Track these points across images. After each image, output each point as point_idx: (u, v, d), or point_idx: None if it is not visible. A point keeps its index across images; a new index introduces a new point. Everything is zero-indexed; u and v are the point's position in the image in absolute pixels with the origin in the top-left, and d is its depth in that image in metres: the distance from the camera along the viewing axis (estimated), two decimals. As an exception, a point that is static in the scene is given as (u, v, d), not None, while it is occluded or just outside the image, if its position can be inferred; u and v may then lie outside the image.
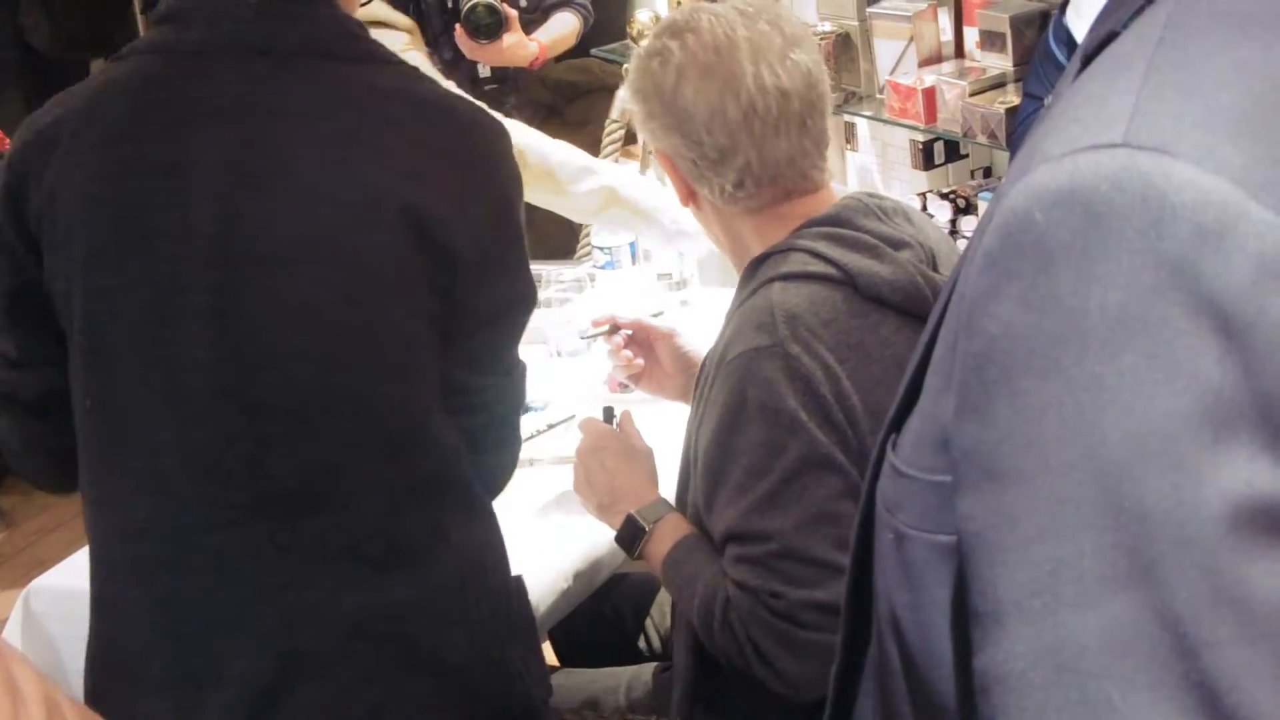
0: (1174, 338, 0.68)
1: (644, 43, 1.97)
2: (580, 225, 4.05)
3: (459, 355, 1.75)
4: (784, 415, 1.76)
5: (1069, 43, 0.86)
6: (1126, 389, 0.69)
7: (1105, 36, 0.82)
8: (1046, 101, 0.90)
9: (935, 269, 1.89)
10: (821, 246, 1.84)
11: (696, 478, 1.90)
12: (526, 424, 2.56)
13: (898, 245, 1.87)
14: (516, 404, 1.91)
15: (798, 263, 1.84)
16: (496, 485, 1.92)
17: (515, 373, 1.87)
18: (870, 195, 1.98)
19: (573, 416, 2.59)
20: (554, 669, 2.55)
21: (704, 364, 1.95)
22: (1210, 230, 0.67)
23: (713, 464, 1.84)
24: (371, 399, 1.68)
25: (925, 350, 0.92)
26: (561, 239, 4.26)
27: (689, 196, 1.99)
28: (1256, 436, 0.67)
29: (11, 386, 1.81)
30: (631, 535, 2.01)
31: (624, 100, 2.00)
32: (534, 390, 2.66)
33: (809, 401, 1.75)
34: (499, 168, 1.74)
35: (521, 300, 1.81)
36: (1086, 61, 0.83)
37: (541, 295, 2.95)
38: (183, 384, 1.65)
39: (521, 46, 3.97)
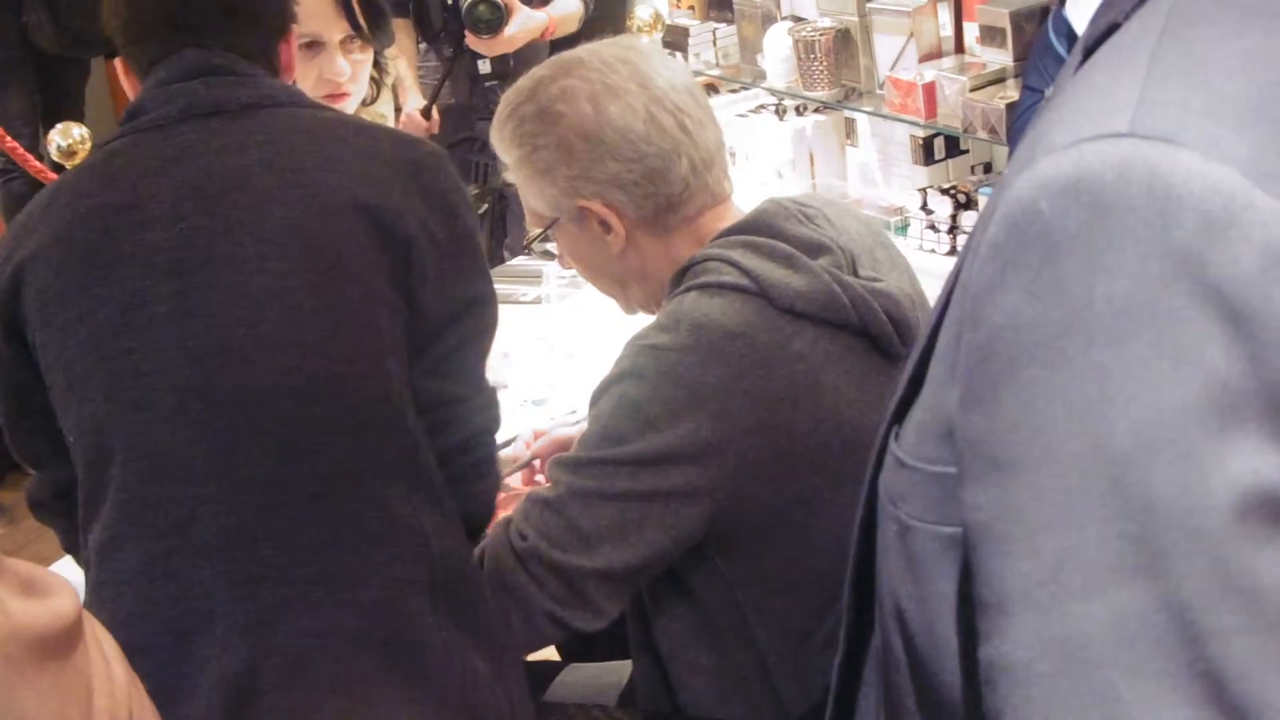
0: (1180, 327, 0.68)
1: (516, 109, 1.91)
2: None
3: (426, 364, 1.79)
4: (640, 415, 1.76)
5: (1069, 35, 0.86)
6: (1133, 378, 0.69)
7: (1107, 28, 0.82)
8: (1047, 94, 0.90)
9: (856, 272, 1.87)
10: (737, 255, 1.82)
11: None
12: (530, 420, 2.57)
13: (816, 250, 1.85)
14: (488, 425, 1.92)
15: (713, 272, 1.82)
16: (476, 517, 1.92)
17: (486, 392, 1.90)
18: (793, 200, 1.96)
19: (574, 412, 2.59)
20: (557, 664, 2.55)
21: None
22: (1217, 219, 0.67)
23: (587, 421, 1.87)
24: (338, 380, 1.71)
25: (927, 342, 0.91)
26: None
27: (627, 238, 1.94)
28: (1263, 425, 0.67)
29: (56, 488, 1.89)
30: None
31: (517, 170, 1.92)
32: (533, 386, 2.68)
33: (678, 411, 1.74)
34: (442, 173, 1.83)
35: (481, 301, 1.85)
36: (1088, 53, 0.83)
37: (542, 292, 2.95)
38: (151, 387, 1.70)
39: (531, 21, 3.98)
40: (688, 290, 1.83)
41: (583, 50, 1.92)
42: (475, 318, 1.85)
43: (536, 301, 2.99)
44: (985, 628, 0.77)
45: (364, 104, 2.88)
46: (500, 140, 1.96)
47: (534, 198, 1.96)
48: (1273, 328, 0.67)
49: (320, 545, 1.70)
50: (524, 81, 1.94)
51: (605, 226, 1.93)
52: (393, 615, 1.73)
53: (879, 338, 1.83)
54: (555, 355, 2.78)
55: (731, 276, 1.80)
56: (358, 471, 1.72)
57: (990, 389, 0.75)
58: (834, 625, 1.81)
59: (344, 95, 2.74)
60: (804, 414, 1.78)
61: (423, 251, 1.75)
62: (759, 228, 1.86)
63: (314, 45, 2.66)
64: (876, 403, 1.82)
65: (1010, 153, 0.88)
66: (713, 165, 1.90)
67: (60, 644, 0.80)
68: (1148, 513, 0.69)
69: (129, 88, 1.94)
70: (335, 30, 2.68)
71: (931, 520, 0.88)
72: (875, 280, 1.86)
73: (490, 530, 1.92)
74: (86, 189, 1.79)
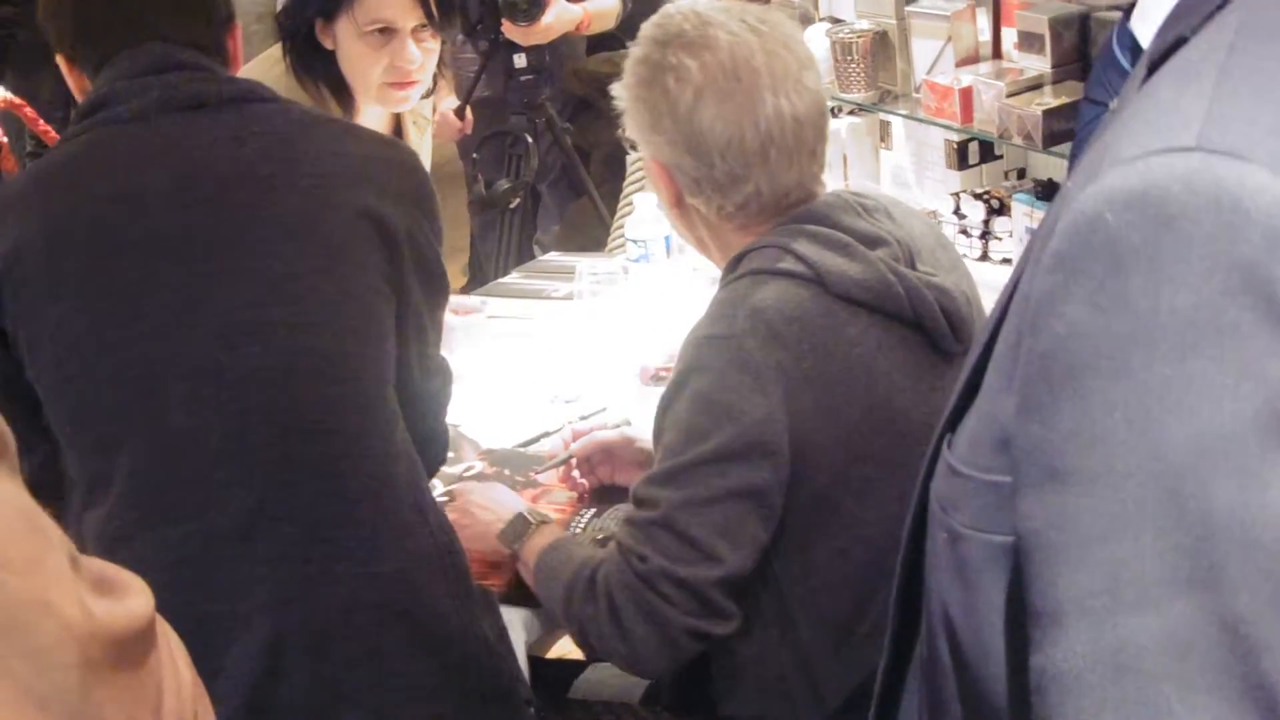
0: (1244, 341, 0.68)
1: (645, 50, 1.91)
2: (612, 217, 4.05)
3: (410, 356, 1.91)
4: (714, 406, 1.78)
5: (1133, 48, 0.87)
6: (1194, 391, 0.69)
7: (1173, 42, 0.83)
8: (1111, 106, 0.90)
9: (914, 266, 1.88)
10: (796, 244, 1.83)
11: None
12: (558, 416, 2.57)
13: (873, 242, 1.86)
14: (446, 406, 2.06)
15: (770, 258, 1.84)
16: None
17: (447, 373, 2.04)
18: (854, 193, 1.97)
19: (604, 409, 2.59)
20: (581, 664, 2.55)
21: None
22: None
23: (653, 432, 1.89)
24: (348, 361, 1.78)
25: (983, 350, 0.91)
26: (593, 231, 4.27)
27: (677, 202, 1.96)
28: None
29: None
30: (517, 528, 2.07)
31: (622, 103, 1.94)
32: (565, 382, 2.68)
33: (749, 397, 1.77)
34: (421, 174, 1.96)
35: (444, 300, 2.01)
36: (1153, 67, 0.83)
37: (574, 288, 2.95)
38: (161, 374, 1.73)
39: (567, 13, 3.99)
40: (742, 276, 1.85)
41: (730, 28, 1.86)
42: (440, 314, 1.98)
43: (569, 298, 2.99)
44: (1037, 636, 0.77)
45: (424, 95, 2.89)
46: (625, 64, 1.96)
47: (628, 124, 1.98)
48: None
49: (338, 522, 1.74)
50: (666, 26, 1.91)
51: (666, 181, 1.95)
52: (410, 587, 1.78)
53: (932, 331, 1.85)
54: (587, 352, 2.77)
55: (788, 263, 1.82)
56: (367, 449, 1.79)
57: (1050, 398, 0.75)
58: (877, 620, 1.82)
59: (412, 84, 2.75)
60: (858, 400, 1.80)
61: (409, 250, 1.85)
62: (817, 218, 1.87)
63: (386, 32, 2.68)
64: (928, 395, 1.84)
65: (1071, 164, 0.88)
66: (788, 193, 1.89)
67: (137, 645, 0.79)
68: (1204, 526, 0.69)
69: (74, 84, 1.97)
70: (409, 18, 2.70)
71: (983, 529, 0.88)
72: (932, 275, 1.87)
73: (558, 597, 1.94)
74: (69, 181, 1.82)
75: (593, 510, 2.30)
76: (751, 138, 1.83)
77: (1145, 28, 0.82)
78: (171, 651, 0.82)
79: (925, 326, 1.85)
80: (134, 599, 0.79)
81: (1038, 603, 0.77)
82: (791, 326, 1.79)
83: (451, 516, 2.13)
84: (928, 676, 1.00)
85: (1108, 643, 0.72)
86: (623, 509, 2.28)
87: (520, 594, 2.09)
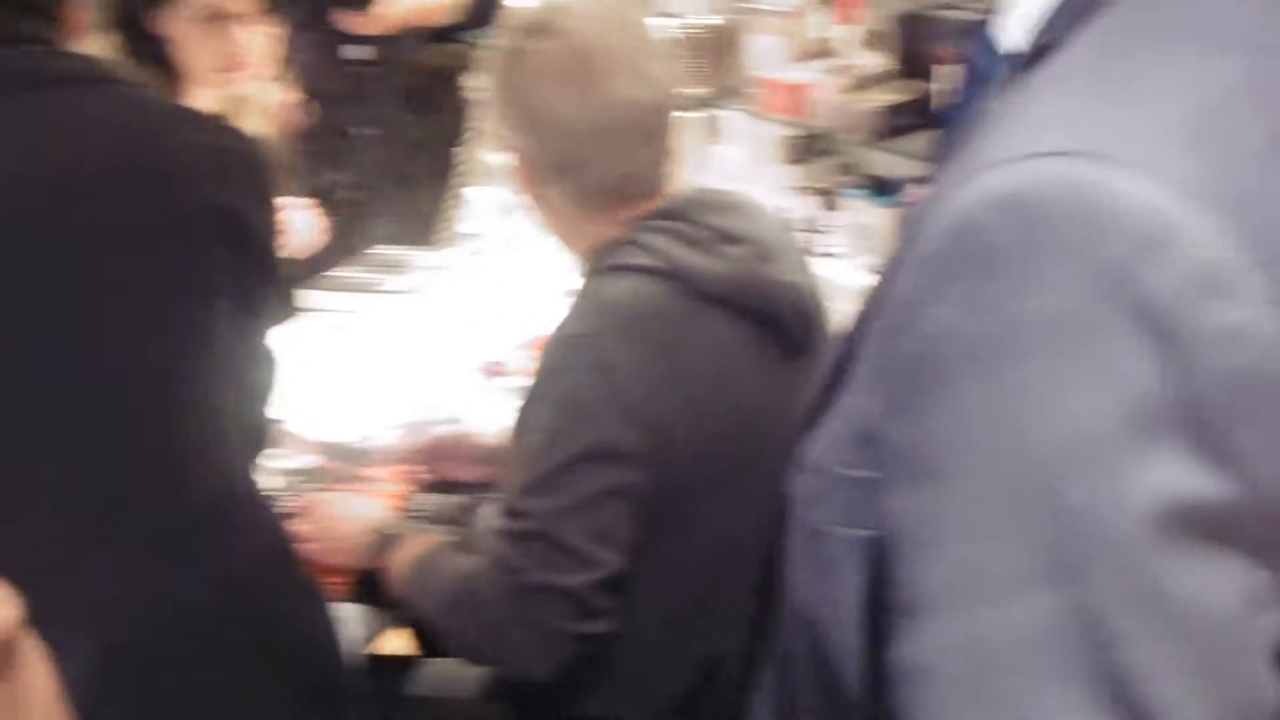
0: (1109, 342, 0.69)
1: (503, 38, 1.94)
2: (439, 211, 4.02)
3: (248, 348, 1.86)
4: (576, 405, 1.78)
5: (999, 53, 0.87)
6: (1058, 391, 0.70)
7: (1040, 47, 0.84)
8: (976, 108, 0.91)
9: (769, 264, 1.90)
10: (654, 239, 1.84)
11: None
12: (393, 411, 2.54)
13: (732, 239, 1.87)
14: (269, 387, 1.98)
15: (629, 254, 1.85)
16: None
17: (273, 360, 1.95)
18: (714, 190, 1.99)
19: (439, 404, 2.56)
20: (413, 658, 2.52)
21: None
22: (1150, 238, 0.69)
23: (514, 435, 1.88)
24: (178, 359, 1.73)
25: (843, 348, 0.92)
26: (426, 224, 4.22)
27: (531, 193, 1.97)
28: (1182, 440, 0.69)
29: None
30: (384, 540, 2.05)
31: (478, 92, 1.97)
32: (399, 378, 2.64)
33: (610, 394, 1.77)
34: (262, 160, 1.86)
35: (280, 280, 1.92)
36: (1022, 70, 0.84)
37: (407, 283, 2.92)
38: None
39: (404, 2, 3.95)
40: (601, 272, 1.85)
41: (582, 16, 1.87)
42: (271, 305, 1.90)
43: (401, 291, 2.96)
44: (899, 630, 0.78)
45: (258, 82, 2.84)
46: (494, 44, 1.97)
47: (490, 114, 1.98)
48: (1199, 346, 0.68)
49: (171, 522, 1.71)
50: (526, 14, 1.92)
51: (521, 168, 1.94)
52: (251, 586, 1.74)
53: (786, 329, 1.87)
54: (421, 347, 2.74)
55: (646, 259, 1.82)
56: (201, 448, 1.75)
57: (918, 398, 0.76)
58: (719, 618, 1.84)
59: (245, 69, 2.70)
60: (714, 397, 1.82)
61: (250, 241, 1.78)
62: (676, 214, 1.87)
63: (217, 18, 2.62)
64: (781, 393, 1.86)
65: (940, 164, 0.89)
66: (628, 181, 1.88)
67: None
68: (1065, 522, 0.71)
69: None
70: (240, 3, 2.64)
71: (843, 524, 0.88)
72: (786, 274, 1.88)
73: (436, 607, 1.92)
74: None
75: (436, 498, 2.28)
76: (592, 120, 1.83)
77: (1011, 32, 0.82)
78: (37, 667, 0.76)
79: (779, 324, 1.87)
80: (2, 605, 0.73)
81: (901, 597, 0.78)
82: (649, 322, 1.79)
83: (308, 529, 2.09)
84: (786, 672, 1.01)
85: (968, 635, 0.74)
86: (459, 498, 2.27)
87: (363, 592, 2.07)
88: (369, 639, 2.09)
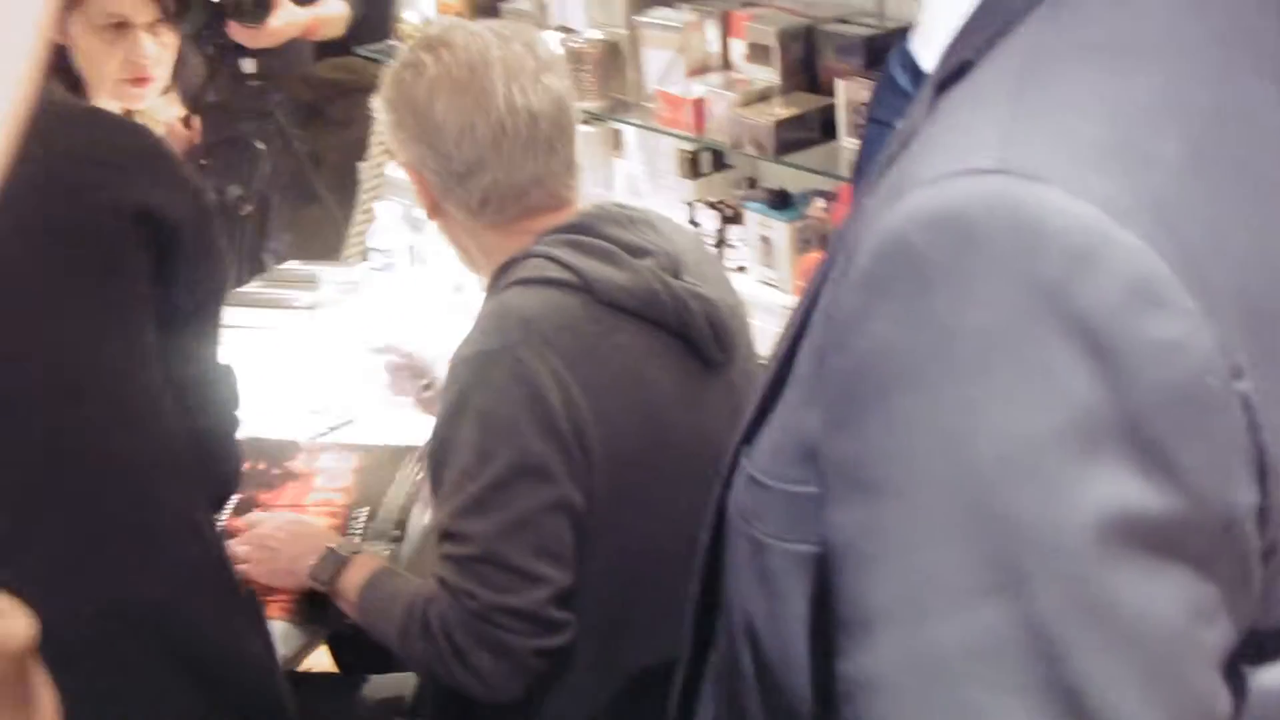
0: (1045, 357, 0.70)
1: (398, 56, 1.99)
2: (347, 225, 4.00)
3: (179, 351, 1.79)
4: (501, 421, 1.79)
5: (913, 70, 0.89)
6: (998, 406, 0.71)
7: (958, 65, 0.85)
8: (898, 125, 0.93)
9: (679, 277, 1.92)
10: (560, 252, 1.86)
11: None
12: (306, 428, 2.53)
13: (638, 252, 1.89)
14: (234, 403, 1.94)
15: (535, 268, 1.86)
16: (218, 497, 1.95)
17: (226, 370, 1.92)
18: (618, 205, 2.01)
19: (351, 420, 2.56)
20: (334, 676, 2.52)
21: None
22: (1081, 254, 0.70)
23: (434, 460, 1.88)
24: (105, 374, 1.68)
25: (780, 363, 0.93)
26: (326, 238, 4.20)
27: (434, 209, 1.99)
28: (1122, 453, 0.70)
29: None
30: (331, 565, 2.05)
31: (375, 109, 2.01)
32: (310, 393, 2.64)
33: (531, 407, 1.78)
34: (177, 160, 1.84)
35: (221, 284, 1.89)
36: (940, 88, 0.86)
37: (315, 298, 2.91)
38: None
39: (294, 17, 3.93)
40: (509, 286, 1.85)
41: (472, 30, 1.94)
42: (215, 301, 1.86)
43: (311, 307, 2.95)
44: (846, 644, 0.79)
45: (161, 92, 2.82)
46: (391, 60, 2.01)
47: (386, 135, 2.02)
48: (1133, 358, 0.70)
49: (97, 535, 1.67)
50: (431, 31, 2.00)
51: (419, 185, 1.97)
52: (180, 611, 1.71)
53: (697, 341, 1.88)
54: (332, 362, 2.74)
55: (554, 271, 1.83)
56: (131, 461, 1.70)
57: (857, 414, 0.77)
58: (639, 630, 1.86)
59: (148, 80, 2.68)
60: (629, 407, 1.83)
61: (178, 242, 1.74)
62: (581, 228, 1.89)
63: (121, 26, 2.60)
64: (693, 404, 1.88)
65: (857, 182, 0.91)
66: (528, 191, 1.91)
67: (13, 674, 0.71)
68: (1009, 534, 0.71)
69: None
70: (142, 13, 2.63)
71: (787, 538, 0.89)
72: (697, 286, 1.90)
73: (393, 634, 1.92)
74: None
75: (365, 511, 2.28)
76: (484, 127, 1.87)
77: (927, 50, 0.84)
78: (46, 693, 0.75)
79: (691, 336, 1.88)
80: (12, 620, 0.71)
81: (847, 611, 0.79)
82: (562, 334, 1.80)
83: (248, 550, 2.08)
84: (728, 686, 1.01)
85: (916, 649, 0.74)
86: (395, 505, 2.27)
87: (307, 612, 2.07)
88: (293, 657, 2.09)
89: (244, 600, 1.86)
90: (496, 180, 1.89)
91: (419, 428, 2.25)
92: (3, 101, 0.25)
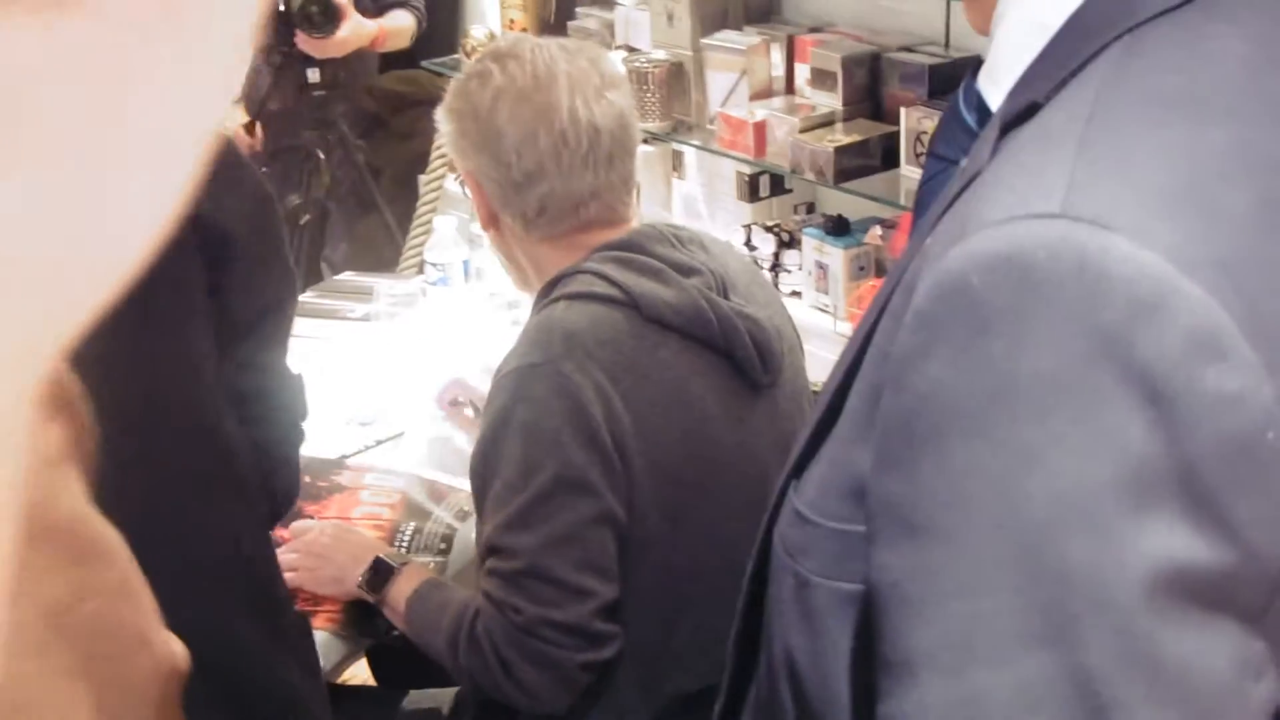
0: (1103, 405, 0.70)
1: (466, 67, 2.00)
2: (404, 238, 4.02)
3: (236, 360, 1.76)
4: (544, 434, 1.79)
5: (979, 108, 0.89)
6: (1053, 453, 0.71)
7: (1025, 106, 0.84)
8: (962, 164, 0.92)
9: (726, 296, 1.92)
10: (608, 269, 1.86)
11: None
12: (354, 439, 2.54)
13: (687, 271, 1.89)
14: (299, 416, 1.92)
15: (583, 284, 1.86)
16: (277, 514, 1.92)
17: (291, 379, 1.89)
18: (669, 225, 2.01)
19: (402, 433, 2.56)
20: (372, 689, 2.52)
21: None
22: (1145, 303, 0.69)
23: (477, 473, 1.88)
24: (165, 386, 1.67)
25: (831, 398, 0.93)
26: (383, 250, 4.23)
27: (490, 220, 2.00)
28: (1177, 505, 0.69)
29: None
30: (379, 575, 2.05)
31: (438, 120, 2.02)
32: (361, 405, 2.64)
33: (575, 421, 1.78)
34: (227, 154, 1.77)
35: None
36: (1005, 129, 0.86)
37: (371, 309, 2.92)
38: None
39: (361, 28, 3.96)
40: (555, 301, 1.86)
41: (541, 44, 1.95)
42: (278, 310, 1.82)
43: (366, 319, 2.96)
44: (888, 686, 0.78)
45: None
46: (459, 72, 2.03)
47: (446, 144, 2.02)
48: (1192, 410, 0.69)
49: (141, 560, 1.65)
50: (500, 43, 2.02)
51: (477, 194, 1.98)
52: (213, 634, 1.70)
53: (742, 360, 1.89)
54: (384, 374, 2.75)
55: (600, 287, 1.84)
56: (170, 483, 1.67)
57: (909, 455, 0.77)
58: (682, 648, 1.86)
59: None
60: (673, 423, 1.83)
61: (232, 249, 1.70)
62: (630, 246, 1.89)
63: None
64: (737, 424, 1.88)
65: (914, 218, 0.91)
66: (585, 203, 1.92)
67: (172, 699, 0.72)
68: (1060, 584, 0.71)
69: None
70: None
71: (832, 576, 0.89)
72: (744, 306, 1.90)
73: (442, 646, 1.91)
74: None
75: (413, 525, 2.29)
76: (545, 137, 1.88)
77: (994, 89, 0.84)
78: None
79: (735, 355, 1.89)
80: (178, 643, 0.73)
81: (890, 653, 0.78)
82: (605, 349, 1.81)
83: (296, 558, 2.08)
84: (765, 718, 1.01)
85: (959, 695, 0.74)
86: (442, 521, 2.28)
87: (353, 623, 2.08)
88: (333, 669, 2.09)
89: (288, 623, 1.84)
90: (554, 190, 1.89)
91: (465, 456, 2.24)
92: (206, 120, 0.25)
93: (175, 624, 1.64)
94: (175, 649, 0.71)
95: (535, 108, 1.87)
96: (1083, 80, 0.82)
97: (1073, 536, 0.71)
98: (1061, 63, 0.85)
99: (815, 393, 1.96)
